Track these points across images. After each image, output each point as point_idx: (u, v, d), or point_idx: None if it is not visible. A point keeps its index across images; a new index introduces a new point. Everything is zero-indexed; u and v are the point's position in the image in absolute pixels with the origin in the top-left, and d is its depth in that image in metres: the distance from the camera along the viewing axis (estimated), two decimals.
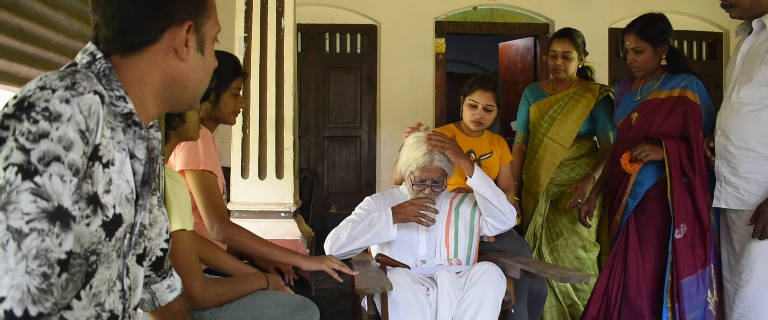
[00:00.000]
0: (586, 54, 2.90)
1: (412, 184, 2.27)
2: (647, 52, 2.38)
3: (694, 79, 2.37)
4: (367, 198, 2.42)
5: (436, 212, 2.21)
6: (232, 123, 2.03)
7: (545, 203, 2.86)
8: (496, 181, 2.60)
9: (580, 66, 2.89)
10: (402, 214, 2.17)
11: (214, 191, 1.81)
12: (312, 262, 1.94)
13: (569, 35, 2.83)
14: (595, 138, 2.91)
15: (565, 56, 2.80)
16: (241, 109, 2.08)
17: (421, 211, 2.18)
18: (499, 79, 5.66)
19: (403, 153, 2.32)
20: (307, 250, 2.93)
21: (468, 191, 2.45)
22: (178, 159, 1.77)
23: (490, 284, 2.00)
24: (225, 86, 1.89)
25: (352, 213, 2.36)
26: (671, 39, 2.42)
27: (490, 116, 2.60)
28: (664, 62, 2.41)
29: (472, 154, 2.68)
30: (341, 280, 1.92)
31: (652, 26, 2.38)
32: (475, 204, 2.34)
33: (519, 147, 3.02)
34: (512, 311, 2.27)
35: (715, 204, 2.17)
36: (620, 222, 2.41)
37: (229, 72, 1.90)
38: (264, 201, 3.00)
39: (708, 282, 2.27)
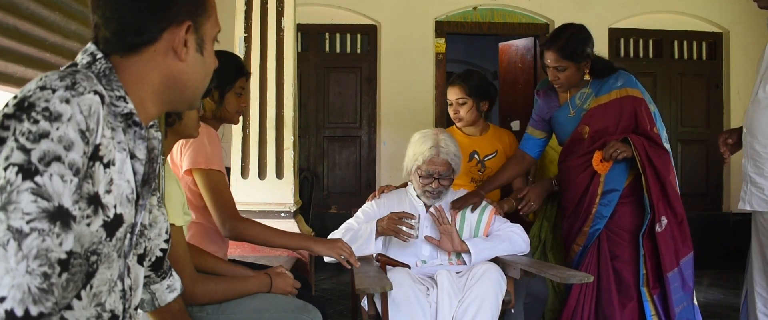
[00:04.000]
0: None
1: (420, 177, 2.27)
2: (570, 70, 2.29)
3: (627, 75, 2.30)
4: (371, 202, 2.41)
5: (413, 227, 2.15)
6: (236, 122, 2.05)
7: (552, 207, 2.82)
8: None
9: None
10: (382, 227, 2.16)
11: (222, 189, 1.82)
12: (324, 248, 1.94)
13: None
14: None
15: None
16: (244, 108, 2.08)
17: (399, 226, 2.14)
18: (498, 77, 5.66)
19: (410, 149, 2.33)
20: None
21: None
22: (185, 158, 1.78)
23: (491, 284, 2.00)
24: (229, 86, 1.90)
25: (353, 216, 2.37)
26: (592, 51, 2.31)
27: (466, 108, 2.64)
28: (587, 77, 2.32)
29: (476, 156, 2.67)
30: (349, 267, 1.94)
31: (574, 44, 2.27)
32: (482, 210, 2.35)
33: None
34: (512, 311, 2.27)
35: (741, 206, 2.09)
36: (588, 234, 2.32)
37: (233, 71, 1.92)
38: (264, 201, 3.00)
39: (692, 270, 2.24)
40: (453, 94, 2.66)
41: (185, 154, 1.77)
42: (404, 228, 2.14)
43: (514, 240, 2.26)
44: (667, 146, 2.32)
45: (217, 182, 1.79)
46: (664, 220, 2.20)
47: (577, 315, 2.30)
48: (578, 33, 2.30)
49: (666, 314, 2.23)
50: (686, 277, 2.22)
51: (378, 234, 2.17)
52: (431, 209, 2.28)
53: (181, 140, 1.76)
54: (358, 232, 2.20)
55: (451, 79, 2.71)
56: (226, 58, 1.98)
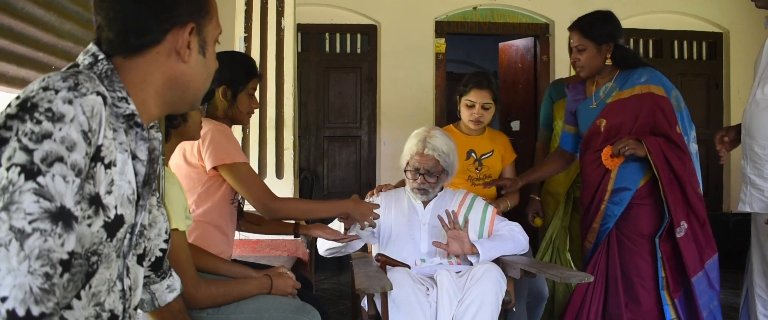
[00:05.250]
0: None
1: (406, 172, 2.32)
2: (590, 51, 2.28)
3: (652, 71, 2.27)
4: (367, 200, 2.42)
5: (377, 217, 2.06)
6: (246, 123, 2.07)
7: (566, 206, 2.78)
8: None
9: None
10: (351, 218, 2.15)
11: (252, 176, 1.85)
12: (358, 215, 1.99)
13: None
14: None
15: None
16: (255, 110, 2.10)
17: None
18: (498, 77, 5.66)
19: (405, 146, 2.38)
20: (308, 250, 2.93)
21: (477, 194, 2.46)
22: (207, 157, 1.79)
23: (491, 284, 2.00)
24: (242, 86, 1.92)
25: None
26: (619, 38, 2.30)
27: (489, 113, 2.63)
28: (609, 62, 2.29)
29: (473, 154, 2.68)
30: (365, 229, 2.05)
31: (597, 24, 2.28)
32: (485, 210, 2.35)
33: (541, 146, 2.93)
34: (513, 310, 2.27)
35: (741, 208, 2.08)
36: (599, 231, 2.29)
37: (247, 72, 1.93)
38: None
39: (718, 271, 2.22)
40: (481, 98, 2.57)
41: (207, 154, 1.79)
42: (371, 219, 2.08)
43: (517, 238, 2.27)
44: (694, 147, 2.26)
45: (245, 172, 1.83)
46: (684, 225, 2.14)
47: (584, 314, 2.29)
48: (603, 16, 2.32)
49: (690, 318, 2.19)
50: (712, 279, 2.18)
51: (347, 224, 2.21)
52: (440, 215, 2.23)
53: (195, 142, 1.77)
54: (333, 226, 2.26)
55: (478, 82, 2.58)
56: (240, 58, 2.00)
